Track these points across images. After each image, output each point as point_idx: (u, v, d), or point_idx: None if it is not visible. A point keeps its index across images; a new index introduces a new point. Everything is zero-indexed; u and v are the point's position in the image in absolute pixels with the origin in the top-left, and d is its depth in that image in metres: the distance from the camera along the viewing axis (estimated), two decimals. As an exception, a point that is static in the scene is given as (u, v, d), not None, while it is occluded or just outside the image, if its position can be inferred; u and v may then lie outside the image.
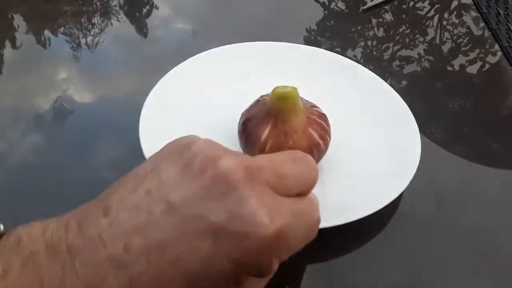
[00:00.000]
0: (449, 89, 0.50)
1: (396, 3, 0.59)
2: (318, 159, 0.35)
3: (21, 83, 0.48)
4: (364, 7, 0.56)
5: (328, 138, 0.36)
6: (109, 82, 0.48)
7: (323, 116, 0.36)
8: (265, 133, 0.34)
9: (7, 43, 0.53)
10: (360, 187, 0.36)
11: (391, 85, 0.44)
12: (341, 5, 0.59)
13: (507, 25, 0.54)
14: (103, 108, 0.46)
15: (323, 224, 0.30)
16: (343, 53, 0.52)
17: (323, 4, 0.59)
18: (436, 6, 0.60)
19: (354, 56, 0.52)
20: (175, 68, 0.44)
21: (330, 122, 0.36)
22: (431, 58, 0.53)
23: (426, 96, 0.49)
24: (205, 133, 0.35)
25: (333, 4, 0.59)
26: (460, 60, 0.53)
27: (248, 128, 0.35)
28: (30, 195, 0.37)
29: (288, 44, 0.47)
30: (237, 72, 0.45)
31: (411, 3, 0.60)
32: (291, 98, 0.33)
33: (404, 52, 0.53)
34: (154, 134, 0.37)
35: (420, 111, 0.42)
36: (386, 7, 0.59)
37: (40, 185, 0.38)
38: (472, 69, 0.52)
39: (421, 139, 0.38)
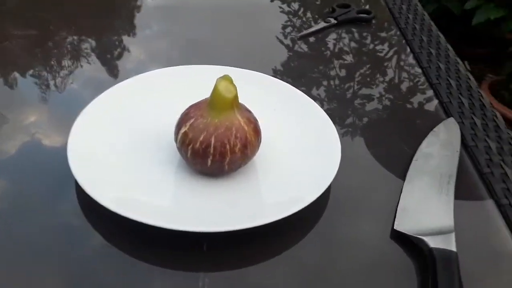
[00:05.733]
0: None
1: (357, 45, 0.63)
2: (250, 153, 0.39)
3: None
4: (298, 35, 0.63)
5: (259, 138, 0.39)
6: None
7: (254, 119, 0.40)
8: (196, 115, 0.38)
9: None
10: (291, 183, 0.40)
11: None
12: (304, 47, 0.62)
13: (448, 79, 0.57)
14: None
15: (264, 220, 0.35)
16: (307, 92, 0.53)
17: (287, 46, 0.62)
18: (394, 48, 0.64)
19: (318, 95, 0.54)
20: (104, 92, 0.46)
21: (265, 132, 0.40)
22: (390, 96, 0.55)
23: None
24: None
25: (296, 46, 0.62)
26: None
27: (187, 110, 0.39)
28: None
29: (219, 66, 0.50)
30: (170, 93, 0.47)
31: (371, 46, 0.64)
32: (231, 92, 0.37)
33: (365, 91, 0.55)
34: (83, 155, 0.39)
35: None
36: (347, 49, 0.62)
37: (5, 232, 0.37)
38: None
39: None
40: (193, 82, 0.45)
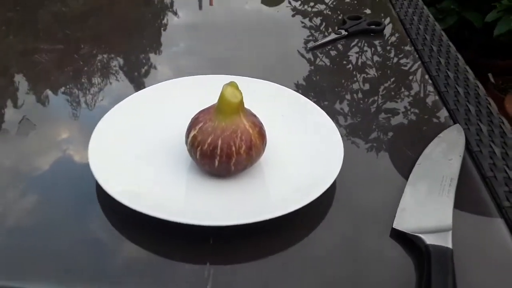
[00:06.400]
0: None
1: (368, 56, 0.65)
2: (255, 155, 0.41)
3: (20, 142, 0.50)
4: (310, 46, 0.66)
5: (264, 141, 0.42)
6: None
7: (259, 123, 0.42)
8: (205, 119, 0.41)
9: (9, 102, 0.57)
10: (295, 183, 0.42)
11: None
12: (326, 61, 0.64)
13: (456, 87, 0.58)
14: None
15: (268, 216, 0.37)
16: (330, 106, 0.56)
17: (309, 60, 0.64)
18: (404, 58, 0.66)
19: (341, 109, 0.56)
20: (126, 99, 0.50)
21: (271, 136, 0.43)
22: (398, 103, 0.57)
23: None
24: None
25: (318, 60, 0.65)
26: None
27: (197, 115, 0.42)
28: (27, 255, 0.38)
29: (231, 76, 0.51)
30: (184, 101, 0.50)
31: (382, 56, 0.66)
32: (237, 98, 0.40)
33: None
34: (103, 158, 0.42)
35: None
36: (356, 60, 0.64)
37: (36, 248, 0.39)
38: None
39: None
40: (205, 91, 0.47)
